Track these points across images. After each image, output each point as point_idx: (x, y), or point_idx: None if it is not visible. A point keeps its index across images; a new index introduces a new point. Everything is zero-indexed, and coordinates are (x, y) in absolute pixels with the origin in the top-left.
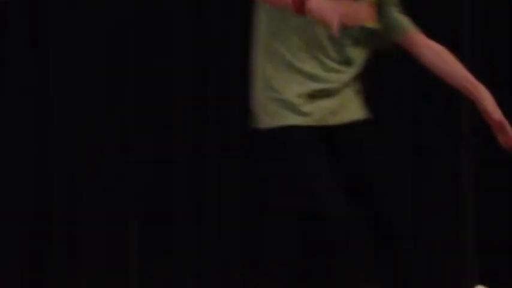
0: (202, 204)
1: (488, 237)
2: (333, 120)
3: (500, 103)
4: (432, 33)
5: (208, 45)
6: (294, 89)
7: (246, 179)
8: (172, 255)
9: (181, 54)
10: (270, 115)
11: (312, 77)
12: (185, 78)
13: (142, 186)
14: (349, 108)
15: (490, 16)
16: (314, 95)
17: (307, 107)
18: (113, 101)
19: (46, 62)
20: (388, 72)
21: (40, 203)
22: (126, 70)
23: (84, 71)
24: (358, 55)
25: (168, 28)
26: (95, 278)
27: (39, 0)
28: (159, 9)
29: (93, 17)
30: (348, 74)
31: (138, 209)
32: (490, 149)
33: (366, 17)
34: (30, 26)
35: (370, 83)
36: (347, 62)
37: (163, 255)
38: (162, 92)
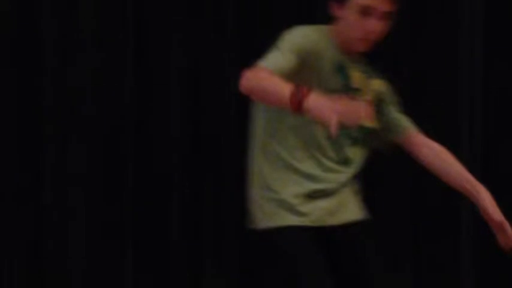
0: None
1: None
2: (331, 221)
3: None
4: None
5: (205, 143)
6: (291, 189)
7: (244, 281)
8: None
9: (178, 153)
10: (266, 215)
11: (309, 177)
12: (182, 177)
13: None
14: (347, 209)
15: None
16: (312, 195)
17: (304, 207)
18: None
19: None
20: (386, 172)
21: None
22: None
23: None
24: (357, 155)
25: (166, 134)
26: None
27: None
28: (156, 112)
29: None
30: (346, 174)
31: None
32: (489, 246)
33: (364, 116)
34: None
35: (368, 182)
36: (345, 161)
37: None
38: (159, 193)
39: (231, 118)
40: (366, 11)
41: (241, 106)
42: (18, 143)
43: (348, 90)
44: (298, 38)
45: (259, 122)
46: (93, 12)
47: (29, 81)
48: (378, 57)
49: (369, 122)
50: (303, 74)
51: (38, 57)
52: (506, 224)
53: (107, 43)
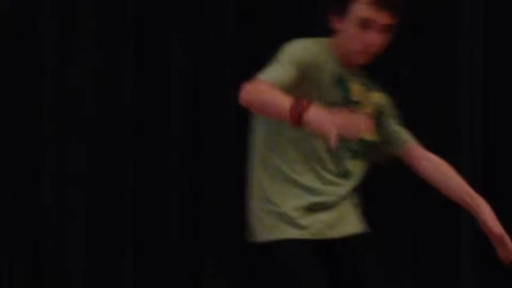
0: None
1: None
2: (330, 234)
3: None
4: None
5: (205, 143)
6: (291, 202)
7: (244, 281)
8: None
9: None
10: (266, 228)
11: (309, 190)
12: (182, 177)
13: None
14: (347, 222)
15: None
16: (311, 208)
17: (304, 220)
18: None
19: None
20: (386, 185)
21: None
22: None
23: None
24: (357, 167)
25: (166, 134)
26: None
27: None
28: (156, 112)
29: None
30: (345, 186)
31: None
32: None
33: (364, 129)
34: None
35: (368, 195)
36: (345, 174)
37: None
38: (159, 193)
39: (231, 118)
40: (365, 24)
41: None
42: (18, 143)
43: (348, 103)
44: (298, 51)
45: (259, 135)
46: (93, 12)
47: (29, 81)
48: (377, 69)
49: (369, 135)
50: (302, 86)
51: (38, 57)
52: (506, 237)
53: (107, 43)
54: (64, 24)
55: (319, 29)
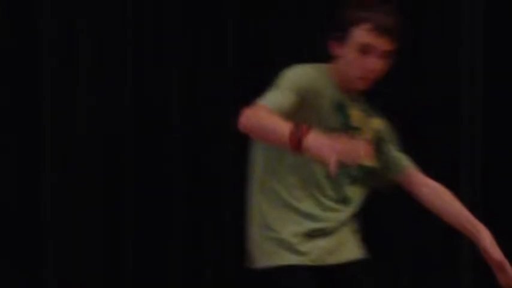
0: None
1: None
2: (330, 260)
3: None
4: None
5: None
6: (290, 228)
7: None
8: None
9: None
10: (265, 254)
11: (308, 216)
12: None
13: None
14: (346, 248)
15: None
16: (311, 234)
17: (303, 247)
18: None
19: None
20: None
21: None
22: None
23: None
24: (356, 194)
25: (166, 127)
26: None
27: None
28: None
29: None
30: (345, 213)
31: None
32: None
33: (364, 155)
34: None
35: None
36: (344, 200)
37: None
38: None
39: (231, 117)
40: (365, 50)
41: (241, 145)
42: (18, 142)
43: (348, 128)
44: (297, 76)
45: (258, 160)
46: (93, 12)
47: (29, 81)
48: (377, 95)
49: (369, 161)
50: (302, 112)
51: (38, 57)
52: (507, 264)
53: (107, 43)
54: (64, 24)
55: (319, 54)
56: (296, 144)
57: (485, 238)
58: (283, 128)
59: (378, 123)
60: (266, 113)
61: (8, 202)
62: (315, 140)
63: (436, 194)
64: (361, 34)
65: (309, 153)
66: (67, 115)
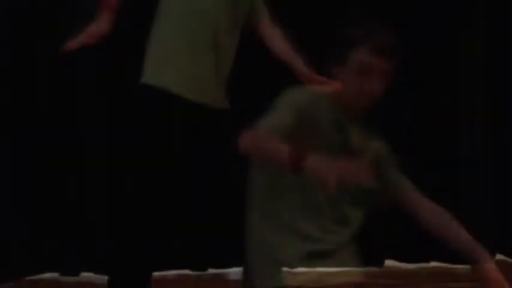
0: None
1: None
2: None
3: None
4: None
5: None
6: (289, 249)
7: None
8: None
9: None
10: (264, 276)
11: (308, 238)
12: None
13: None
14: (346, 271)
15: None
16: (310, 256)
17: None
18: None
19: None
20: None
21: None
22: None
23: None
24: (356, 215)
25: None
26: None
27: None
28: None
29: None
30: (345, 234)
31: None
32: None
33: (363, 175)
34: None
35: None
36: (344, 221)
37: None
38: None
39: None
40: (365, 70)
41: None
42: (17, 142)
43: (347, 149)
44: (296, 98)
45: (258, 182)
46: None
47: (28, 82)
48: (376, 114)
49: (368, 182)
50: (302, 133)
51: (38, 58)
52: (507, 286)
53: (107, 43)
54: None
55: (318, 74)
56: (295, 165)
57: (486, 262)
58: (283, 149)
59: (377, 144)
60: (265, 135)
61: (8, 202)
62: (314, 161)
63: (435, 215)
64: (360, 55)
65: (308, 173)
66: (68, 115)
